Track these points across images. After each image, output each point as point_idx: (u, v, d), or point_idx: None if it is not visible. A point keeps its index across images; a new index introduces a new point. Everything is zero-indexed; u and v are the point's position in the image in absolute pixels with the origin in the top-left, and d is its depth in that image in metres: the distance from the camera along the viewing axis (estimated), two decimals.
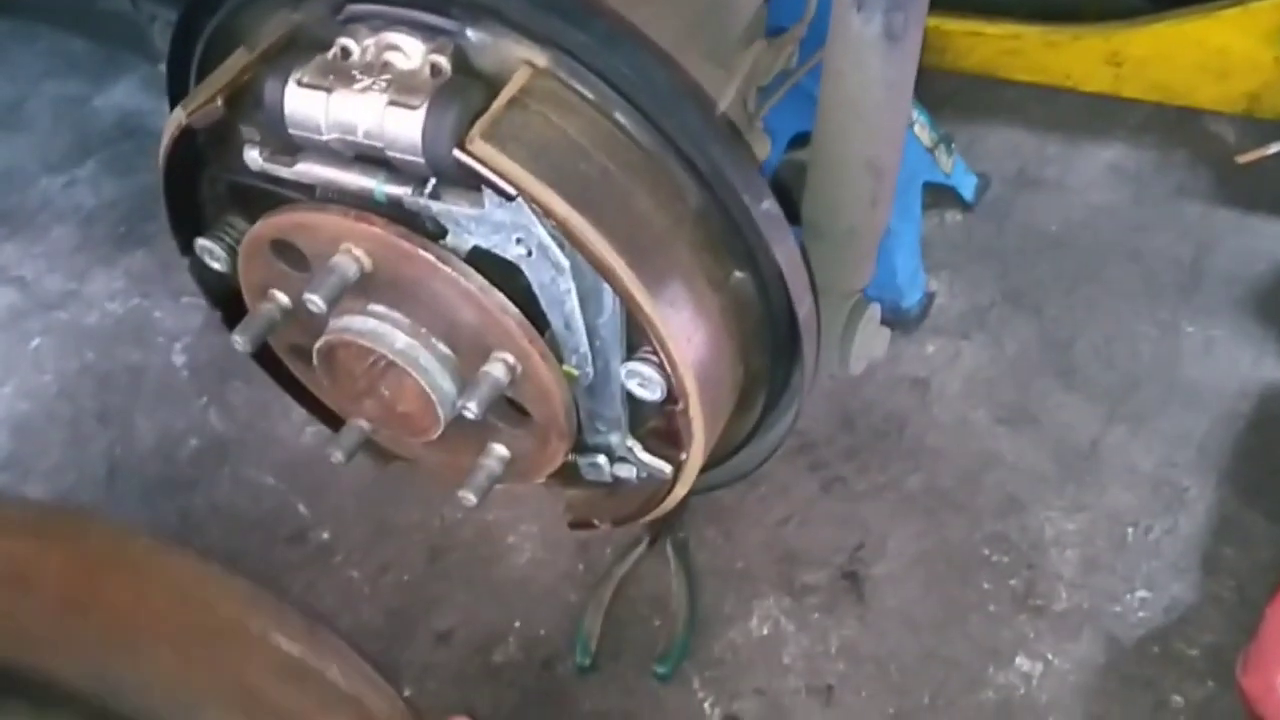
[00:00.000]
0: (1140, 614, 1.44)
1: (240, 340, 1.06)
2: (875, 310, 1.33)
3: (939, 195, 1.86)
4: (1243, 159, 1.84)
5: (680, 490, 1.12)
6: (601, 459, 1.13)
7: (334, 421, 1.25)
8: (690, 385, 0.98)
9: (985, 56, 1.95)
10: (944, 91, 1.96)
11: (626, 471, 1.13)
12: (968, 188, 1.89)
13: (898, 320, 1.72)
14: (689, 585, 1.49)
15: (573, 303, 0.97)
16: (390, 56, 0.95)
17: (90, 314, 1.90)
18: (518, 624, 1.51)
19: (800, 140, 1.51)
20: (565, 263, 0.94)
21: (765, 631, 1.47)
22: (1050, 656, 1.42)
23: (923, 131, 1.72)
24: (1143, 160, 1.94)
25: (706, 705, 1.42)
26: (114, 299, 1.92)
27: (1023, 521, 1.54)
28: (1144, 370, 1.68)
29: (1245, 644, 1.32)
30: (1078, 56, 1.89)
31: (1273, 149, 1.83)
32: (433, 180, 0.95)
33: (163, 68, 1.10)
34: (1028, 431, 1.63)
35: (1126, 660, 1.41)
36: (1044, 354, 1.72)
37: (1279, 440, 1.57)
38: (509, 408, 1.08)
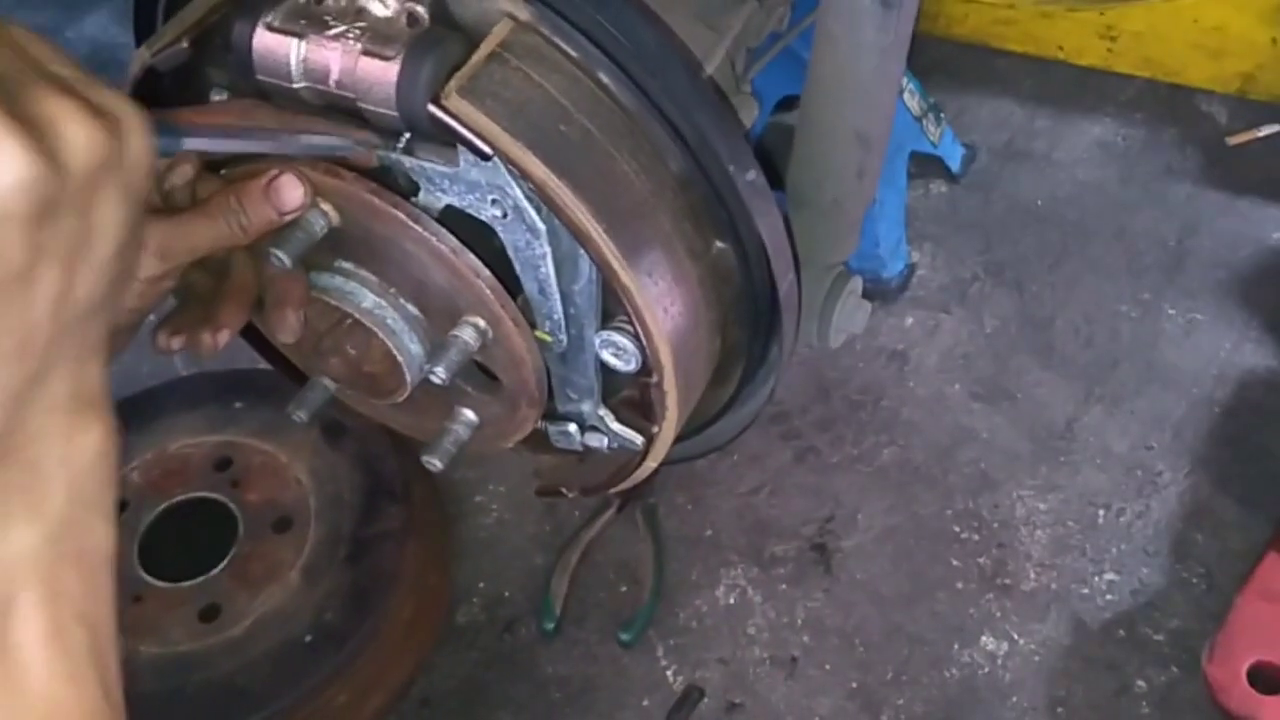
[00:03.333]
0: (1108, 597, 1.44)
1: None
2: (857, 283, 1.30)
3: (925, 165, 1.84)
4: (1233, 140, 1.83)
5: (651, 463, 1.09)
6: (572, 427, 1.10)
7: (299, 377, 1.21)
8: (665, 358, 0.95)
9: (978, 25, 1.93)
10: (934, 59, 1.93)
11: (597, 441, 1.10)
12: (955, 158, 1.86)
13: (878, 291, 1.70)
14: (657, 552, 1.48)
15: (548, 268, 0.93)
16: (366, 3, 0.90)
17: None
18: (482, 584, 1.50)
19: (787, 103, 1.48)
20: (541, 226, 0.91)
21: (731, 601, 1.46)
22: (1016, 636, 1.42)
23: (912, 99, 1.69)
24: (1132, 137, 1.92)
25: (669, 673, 1.41)
26: None
27: (994, 499, 1.53)
28: (1123, 351, 1.67)
29: (1212, 631, 1.32)
30: (1072, 28, 1.87)
31: (1264, 131, 1.82)
32: (406, 135, 0.91)
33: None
34: (1004, 409, 1.62)
35: (1092, 643, 1.40)
36: (1023, 331, 1.71)
37: (1254, 427, 1.57)
38: (478, 372, 1.05)
